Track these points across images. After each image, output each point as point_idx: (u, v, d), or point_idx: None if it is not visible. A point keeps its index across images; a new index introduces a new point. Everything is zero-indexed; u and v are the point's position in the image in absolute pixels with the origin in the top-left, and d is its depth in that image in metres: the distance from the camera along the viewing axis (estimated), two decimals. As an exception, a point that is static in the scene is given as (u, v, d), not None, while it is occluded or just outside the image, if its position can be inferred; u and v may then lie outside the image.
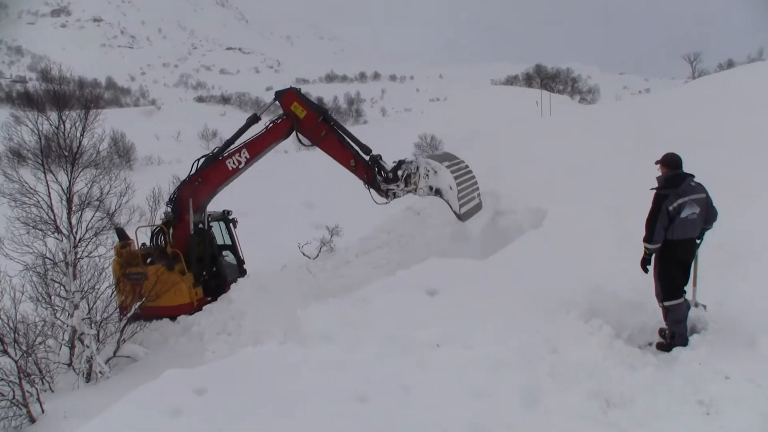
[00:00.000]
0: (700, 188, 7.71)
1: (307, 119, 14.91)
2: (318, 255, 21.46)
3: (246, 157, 15.22)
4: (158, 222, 16.54)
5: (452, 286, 9.93)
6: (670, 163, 7.83)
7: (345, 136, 15.14)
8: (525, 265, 11.57)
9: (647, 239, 7.78)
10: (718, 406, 6.08)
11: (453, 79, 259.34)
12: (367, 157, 14.98)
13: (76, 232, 12.74)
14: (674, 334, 7.83)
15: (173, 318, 14.93)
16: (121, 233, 16.09)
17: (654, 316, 8.33)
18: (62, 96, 13.41)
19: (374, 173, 15.02)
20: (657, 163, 8.03)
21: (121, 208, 14.76)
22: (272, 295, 15.02)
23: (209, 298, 15.75)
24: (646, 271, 8.07)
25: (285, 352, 8.13)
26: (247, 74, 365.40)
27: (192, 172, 15.68)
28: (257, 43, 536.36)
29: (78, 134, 13.06)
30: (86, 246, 12.97)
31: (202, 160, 15.73)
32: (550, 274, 10.50)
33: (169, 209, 15.91)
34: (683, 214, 7.51)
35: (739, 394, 6.18)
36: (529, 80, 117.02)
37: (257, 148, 15.29)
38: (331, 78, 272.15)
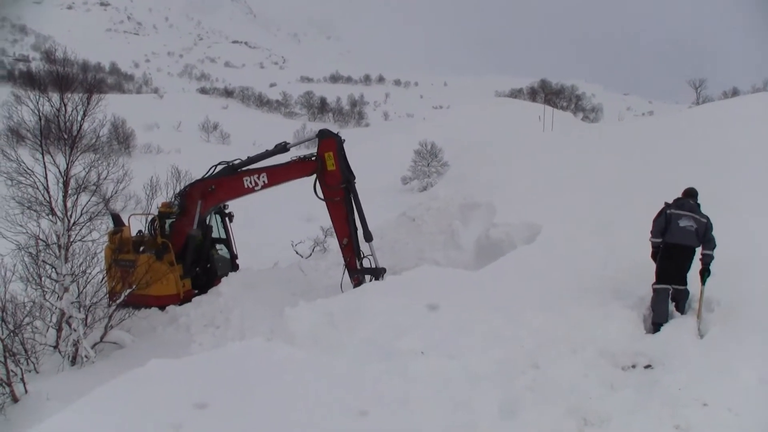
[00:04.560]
0: (700, 213, 9.41)
1: (332, 175, 14.39)
2: (311, 254, 21.56)
3: (264, 182, 14.95)
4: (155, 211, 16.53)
5: (440, 295, 9.93)
6: (684, 192, 9.89)
7: (357, 212, 14.57)
8: (514, 279, 11.57)
9: (650, 233, 9.71)
10: (694, 431, 6.11)
11: (457, 88, 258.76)
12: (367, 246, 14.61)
13: (71, 216, 12.77)
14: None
15: (162, 308, 14.99)
16: (117, 219, 16.10)
17: (639, 339, 8.40)
18: (65, 78, 13.41)
19: (358, 262, 14.57)
20: None
21: (117, 194, 14.81)
22: (262, 291, 15.01)
23: (196, 291, 15.81)
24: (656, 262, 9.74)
25: (270, 349, 8.17)
26: (252, 69, 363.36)
27: (207, 175, 15.66)
28: (263, 38, 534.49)
29: (79, 118, 13.09)
30: (80, 230, 13.00)
31: (219, 167, 15.63)
32: (537, 290, 10.52)
33: (175, 202, 15.94)
34: (681, 223, 9.32)
35: (716, 422, 6.21)
36: (533, 94, 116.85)
37: (278, 177, 15.02)
38: (335, 78, 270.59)
